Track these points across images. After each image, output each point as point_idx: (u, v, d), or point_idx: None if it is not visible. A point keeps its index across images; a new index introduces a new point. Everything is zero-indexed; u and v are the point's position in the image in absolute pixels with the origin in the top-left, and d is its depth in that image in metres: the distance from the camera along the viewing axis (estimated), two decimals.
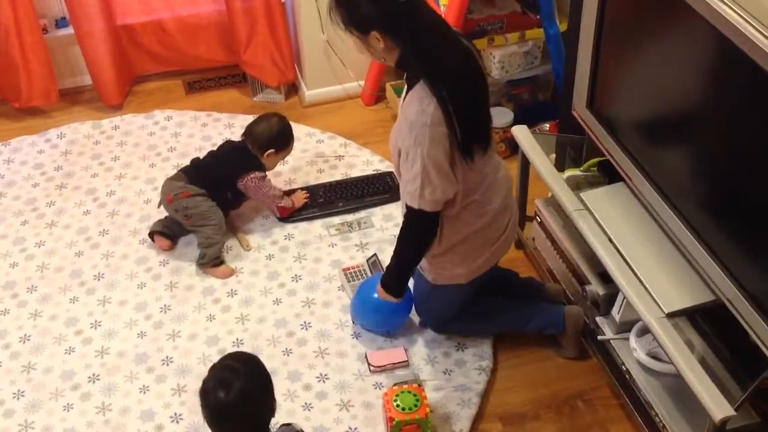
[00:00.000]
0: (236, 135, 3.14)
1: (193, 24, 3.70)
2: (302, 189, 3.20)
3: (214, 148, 3.08)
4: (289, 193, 3.15)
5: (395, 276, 2.47)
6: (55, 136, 3.53)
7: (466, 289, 2.49)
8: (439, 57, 2.12)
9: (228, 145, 3.08)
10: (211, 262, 2.90)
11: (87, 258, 2.98)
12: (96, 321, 2.76)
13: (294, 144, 3.06)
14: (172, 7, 3.68)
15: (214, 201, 2.94)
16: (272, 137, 2.96)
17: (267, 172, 3.02)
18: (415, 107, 2.12)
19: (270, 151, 2.96)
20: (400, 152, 2.20)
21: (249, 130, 3.00)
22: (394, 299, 2.50)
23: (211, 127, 3.57)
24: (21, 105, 3.62)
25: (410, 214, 2.29)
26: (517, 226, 2.51)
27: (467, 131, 2.14)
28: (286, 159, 3.36)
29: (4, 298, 2.84)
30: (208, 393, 1.90)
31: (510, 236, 2.47)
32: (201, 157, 3.06)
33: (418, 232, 2.34)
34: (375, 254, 2.90)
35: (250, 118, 3.55)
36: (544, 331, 2.62)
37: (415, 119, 2.11)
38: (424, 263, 2.46)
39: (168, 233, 2.99)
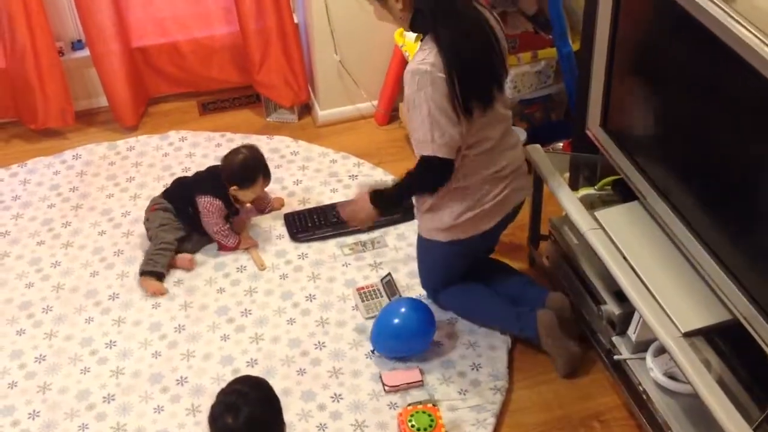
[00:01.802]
0: None
1: (207, 46, 3.74)
2: (315, 208, 3.21)
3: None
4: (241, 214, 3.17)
5: (389, 199, 2.48)
6: (71, 157, 3.56)
7: (451, 251, 2.58)
8: (449, 13, 2.24)
9: (213, 167, 3.13)
10: (141, 270, 2.93)
11: (102, 278, 2.99)
12: (111, 341, 2.77)
13: (269, 179, 3.07)
14: (187, 30, 3.71)
15: (180, 215, 3.01)
16: (232, 173, 2.98)
17: (243, 205, 3.12)
18: (419, 57, 2.27)
19: (233, 187, 2.98)
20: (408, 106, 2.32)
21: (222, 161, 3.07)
22: (372, 212, 2.48)
23: (225, 148, 3.56)
24: (37, 126, 3.65)
25: (423, 161, 2.35)
26: (507, 205, 2.55)
27: (466, 85, 2.25)
28: (298, 179, 3.38)
29: (20, 318, 2.86)
30: (216, 418, 1.90)
31: (495, 211, 2.51)
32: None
33: (430, 178, 2.41)
34: (389, 273, 2.90)
35: (263, 139, 3.61)
36: (521, 334, 2.65)
37: (417, 67, 2.25)
38: (420, 213, 2.58)
39: (182, 250, 3.01)
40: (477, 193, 2.46)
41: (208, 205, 2.97)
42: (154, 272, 2.92)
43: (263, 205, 3.23)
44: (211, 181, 3.02)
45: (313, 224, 3.14)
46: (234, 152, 3.03)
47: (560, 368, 2.60)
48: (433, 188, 2.45)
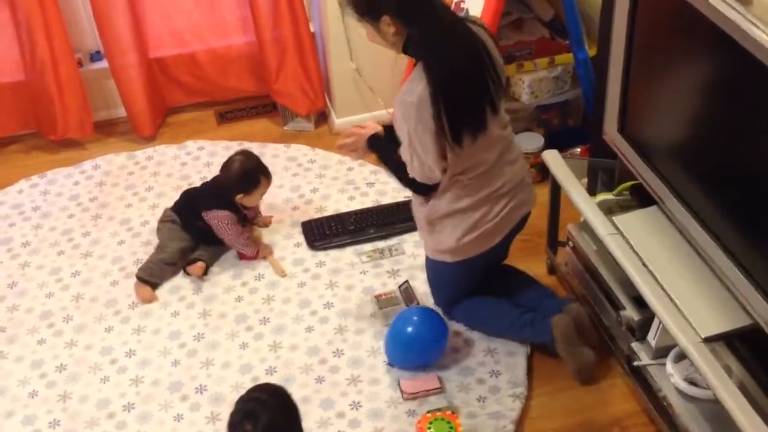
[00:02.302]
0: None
1: (224, 56, 3.76)
2: (332, 216, 3.21)
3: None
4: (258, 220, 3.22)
5: (381, 155, 2.55)
6: (90, 167, 3.59)
7: (459, 271, 2.58)
8: (440, 40, 2.23)
9: (217, 176, 3.13)
10: (138, 275, 2.96)
11: (121, 287, 3.01)
12: (130, 350, 2.79)
13: (271, 179, 3.07)
14: (204, 40, 3.74)
15: (187, 229, 3.04)
16: (234, 183, 2.99)
17: (250, 211, 3.13)
18: (407, 86, 2.27)
19: (238, 195, 3.00)
20: None
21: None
22: (364, 148, 2.55)
23: None
24: (57, 137, 3.68)
25: (408, 176, 2.42)
26: (511, 221, 2.54)
27: (456, 116, 2.24)
28: (315, 187, 3.39)
29: (40, 328, 2.88)
30: (235, 426, 1.90)
31: (497, 230, 2.50)
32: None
33: (412, 188, 2.49)
34: (407, 281, 2.90)
35: (280, 147, 3.62)
36: (535, 339, 2.64)
37: (403, 97, 2.27)
38: (422, 234, 2.60)
39: (200, 258, 3.02)
40: (476, 214, 2.45)
41: (220, 219, 2.99)
42: (149, 282, 2.96)
43: (253, 214, 3.22)
44: (216, 193, 3.03)
45: (330, 232, 3.15)
46: (229, 162, 3.03)
47: (574, 374, 2.59)
48: (417, 194, 2.51)
